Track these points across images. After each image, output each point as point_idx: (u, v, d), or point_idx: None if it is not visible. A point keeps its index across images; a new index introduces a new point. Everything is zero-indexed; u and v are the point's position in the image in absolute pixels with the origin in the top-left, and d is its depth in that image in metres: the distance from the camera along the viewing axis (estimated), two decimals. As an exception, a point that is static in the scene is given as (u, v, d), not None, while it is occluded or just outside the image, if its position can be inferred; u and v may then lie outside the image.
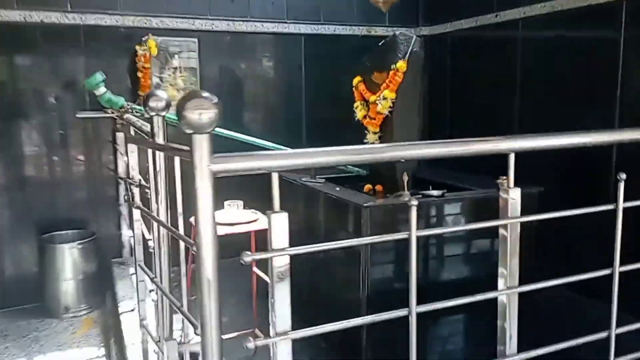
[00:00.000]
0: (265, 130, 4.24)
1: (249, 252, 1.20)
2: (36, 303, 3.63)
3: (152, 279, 1.64)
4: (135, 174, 1.82)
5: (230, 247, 2.33)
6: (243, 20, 4.30)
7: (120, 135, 3.62)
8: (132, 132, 2.85)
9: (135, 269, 1.82)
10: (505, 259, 1.52)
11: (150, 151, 1.87)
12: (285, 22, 4.46)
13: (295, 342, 1.24)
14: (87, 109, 3.80)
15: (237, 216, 2.41)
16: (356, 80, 3.12)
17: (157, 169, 1.82)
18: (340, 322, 1.29)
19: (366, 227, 2.31)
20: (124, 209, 3.68)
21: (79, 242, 3.57)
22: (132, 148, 1.87)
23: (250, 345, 1.19)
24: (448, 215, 2.47)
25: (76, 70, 3.83)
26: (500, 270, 1.54)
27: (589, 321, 2.32)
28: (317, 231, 2.75)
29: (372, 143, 2.93)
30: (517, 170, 1.44)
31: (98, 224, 3.94)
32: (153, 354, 1.78)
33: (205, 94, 1.14)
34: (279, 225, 1.23)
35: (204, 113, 1.11)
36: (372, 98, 2.92)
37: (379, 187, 2.96)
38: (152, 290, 2.00)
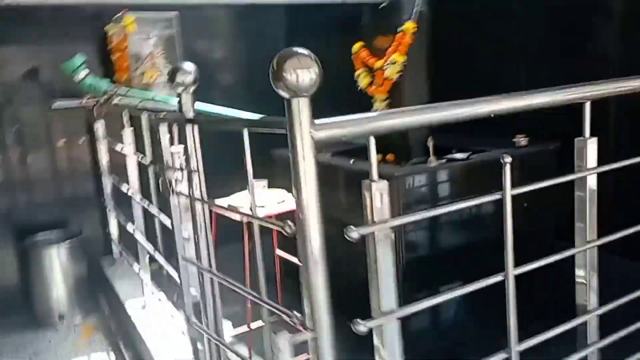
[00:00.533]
0: (254, 108, 4.03)
1: (353, 227, 1.08)
2: (24, 313, 3.34)
3: (208, 271, 1.48)
4: (176, 157, 1.63)
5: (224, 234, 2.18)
6: (216, -7, 4.05)
7: (99, 125, 3.35)
8: (126, 117, 2.63)
9: (178, 264, 1.65)
10: (583, 213, 1.46)
11: (174, 131, 1.69)
12: (261, -6, 4.23)
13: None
14: (58, 98, 3.50)
15: (270, 197, 2.25)
16: (357, 46, 2.99)
17: (190, 149, 1.64)
18: (440, 295, 1.19)
19: (399, 197, 2.20)
20: (110, 204, 3.42)
21: (66, 242, 3.30)
22: (164, 130, 1.67)
23: (362, 328, 1.07)
24: (476, 178, 2.40)
25: (40, 56, 3.51)
26: (578, 225, 1.48)
27: None
28: (339, 210, 2.61)
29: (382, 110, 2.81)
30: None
31: (79, 222, 3.66)
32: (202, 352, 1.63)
33: (305, 51, 0.99)
34: (380, 195, 1.11)
35: (305, 72, 0.97)
36: (379, 63, 2.80)
37: (390, 157, 2.86)
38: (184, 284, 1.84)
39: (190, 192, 1.62)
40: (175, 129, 1.68)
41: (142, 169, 2.62)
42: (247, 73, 4.22)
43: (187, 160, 1.67)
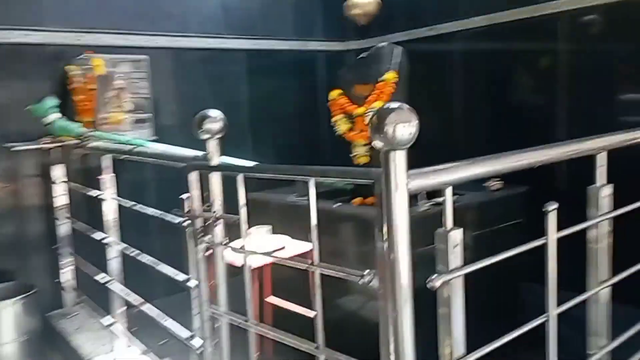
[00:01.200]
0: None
1: (434, 275, 1.13)
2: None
3: (245, 322, 1.46)
4: (216, 204, 1.61)
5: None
6: (182, 36, 4.05)
7: (59, 168, 3.18)
8: (106, 161, 2.53)
9: (200, 316, 1.60)
10: (594, 258, 1.59)
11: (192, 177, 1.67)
12: (225, 38, 4.29)
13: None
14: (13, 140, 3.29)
15: (273, 243, 2.23)
16: (335, 93, 3.10)
17: (214, 197, 1.64)
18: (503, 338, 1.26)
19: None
20: (64, 250, 3.22)
21: (20, 297, 3.03)
22: (196, 177, 1.64)
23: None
24: (464, 219, 2.53)
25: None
26: (589, 270, 1.60)
27: None
28: (335, 254, 2.64)
29: (362, 156, 2.92)
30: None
31: (24, 272, 3.40)
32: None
33: (406, 106, 1.05)
34: (455, 242, 1.17)
35: (406, 126, 1.02)
36: (360, 110, 2.91)
37: (369, 200, 2.94)
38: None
39: (221, 241, 1.60)
40: (194, 176, 1.66)
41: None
42: (211, 108, 4.22)
43: (211, 208, 1.66)
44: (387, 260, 1.08)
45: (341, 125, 3.02)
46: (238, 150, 4.11)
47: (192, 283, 1.76)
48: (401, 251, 1.07)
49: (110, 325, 2.52)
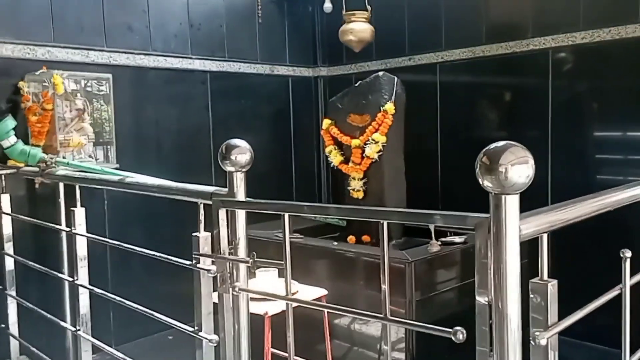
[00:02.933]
0: (178, 173, 3.83)
1: (535, 331, 1.08)
2: None
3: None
4: (241, 245, 1.49)
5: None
6: (145, 54, 3.89)
7: (4, 198, 2.91)
8: (62, 190, 2.33)
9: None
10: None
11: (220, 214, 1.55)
12: (190, 58, 4.17)
13: None
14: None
15: (278, 287, 2.10)
16: (327, 123, 3.06)
17: (238, 236, 1.54)
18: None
19: (411, 283, 2.23)
20: (12, 295, 2.93)
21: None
22: (224, 215, 1.52)
23: None
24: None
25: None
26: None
27: None
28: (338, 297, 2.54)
29: (358, 190, 2.88)
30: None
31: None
32: None
33: (519, 144, 1.01)
34: (553, 294, 1.14)
35: (522, 168, 0.99)
36: (356, 142, 2.88)
37: (366, 238, 2.90)
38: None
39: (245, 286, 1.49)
40: (222, 213, 1.54)
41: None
42: (175, 136, 4.07)
43: (235, 249, 1.55)
44: (494, 314, 1.02)
45: (334, 157, 2.97)
46: (201, 177, 4.03)
47: (207, 336, 1.61)
48: (511, 306, 1.02)
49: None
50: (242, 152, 1.56)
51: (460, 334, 1.10)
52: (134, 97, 3.84)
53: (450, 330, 1.11)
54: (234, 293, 1.48)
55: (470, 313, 1.11)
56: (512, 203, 1.00)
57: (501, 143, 1.02)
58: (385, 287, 1.21)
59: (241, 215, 1.56)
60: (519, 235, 1.01)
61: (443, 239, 2.53)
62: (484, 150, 1.01)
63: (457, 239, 2.51)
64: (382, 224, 1.18)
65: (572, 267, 3.20)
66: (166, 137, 4.02)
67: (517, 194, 1.00)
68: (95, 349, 2.41)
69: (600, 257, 3.14)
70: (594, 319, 1.35)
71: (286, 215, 1.35)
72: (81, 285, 2.26)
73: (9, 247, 2.94)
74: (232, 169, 1.57)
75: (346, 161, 2.95)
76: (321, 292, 1.93)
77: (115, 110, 3.49)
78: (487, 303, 1.03)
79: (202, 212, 1.68)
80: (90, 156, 3.25)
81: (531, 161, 1.00)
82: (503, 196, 1.00)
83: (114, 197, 3.61)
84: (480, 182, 1.01)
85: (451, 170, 4.04)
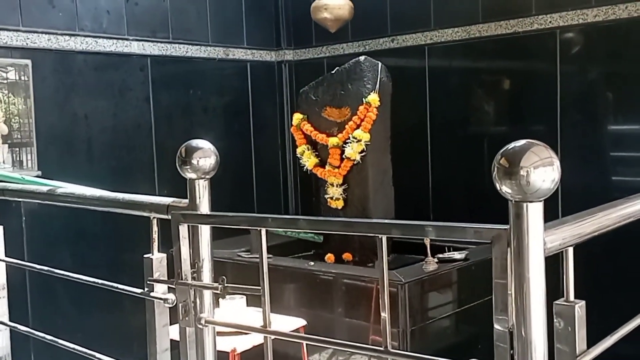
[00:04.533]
0: (114, 180, 3.80)
1: None
2: None
3: None
4: (205, 267, 1.50)
5: None
6: (71, 34, 3.84)
7: None
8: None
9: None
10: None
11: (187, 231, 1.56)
12: (126, 39, 4.14)
13: None
14: None
15: (252, 317, 2.11)
16: (297, 118, 3.10)
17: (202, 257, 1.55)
18: None
19: (405, 310, 2.27)
20: None
21: None
22: (185, 232, 1.52)
23: None
24: (477, 278, 2.59)
25: None
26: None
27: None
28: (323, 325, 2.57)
29: (337, 199, 2.92)
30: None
31: None
32: None
33: (541, 144, 1.05)
34: (581, 317, 1.18)
35: (547, 171, 1.03)
36: (334, 140, 2.92)
37: (347, 256, 2.93)
38: None
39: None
40: (184, 230, 1.55)
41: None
42: (109, 135, 4.03)
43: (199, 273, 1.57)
44: (516, 343, 1.06)
45: (308, 159, 3.00)
46: (141, 185, 4.00)
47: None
48: (536, 333, 1.06)
49: None
50: (205, 155, 1.57)
51: (477, 367, 1.14)
52: (58, 88, 3.78)
53: (469, 362, 1.14)
54: (199, 326, 1.48)
55: (474, 343, 1.15)
56: (535, 212, 1.04)
57: (521, 142, 1.05)
58: (385, 314, 1.24)
59: (205, 231, 1.57)
60: (544, 249, 1.05)
61: (440, 256, 2.58)
62: (502, 151, 1.05)
63: (457, 255, 2.57)
64: (381, 239, 1.21)
65: (596, 284, 3.30)
66: (98, 136, 3.96)
67: (540, 201, 1.04)
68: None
69: (628, 273, 3.26)
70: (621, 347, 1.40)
71: (263, 231, 1.36)
72: (0, 322, 2.22)
73: None
74: (193, 175, 1.57)
75: (322, 164, 2.98)
76: (299, 322, 1.95)
77: (34, 103, 3.44)
78: (507, 330, 1.07)
79: (155, 228, 1.68)
80: (3, 161, 3.19)
81: (557, 163, 1.04)
82: (525, 204, 1.04)
83: (34, 213, 3.55)
84: (498, 188, 1.05)
85: (444, 171, 4.11)
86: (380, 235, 1.22)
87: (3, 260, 2.28)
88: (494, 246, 1.08)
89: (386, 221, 1.17)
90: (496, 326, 1.09)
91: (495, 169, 1.05)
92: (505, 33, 3.91)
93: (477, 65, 4.16)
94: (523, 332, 1.05)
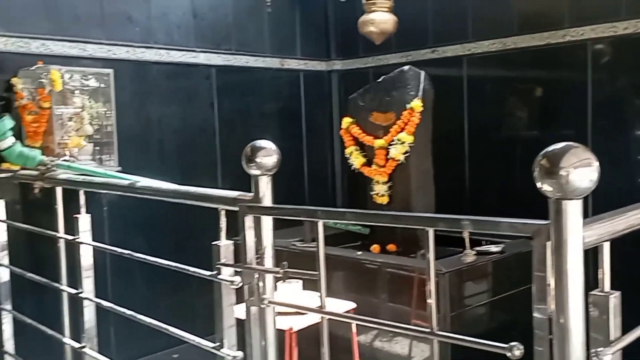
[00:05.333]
0: (182, 177, 3.88)
1: (599, 348, 1.10)
2: None
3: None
4: (267, 254, 1.53)
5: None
6: (146, 47, 3.94)
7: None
8: (83, 199, 2.37)
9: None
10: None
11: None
12: (194, 51, 4.22)
13: None
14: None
15: (308, 300, 2.13)
16: (346, 122, 3.10)
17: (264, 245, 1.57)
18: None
19: (445, 297, 2.26)
20: (6, 303, 2.96)
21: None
22: (250, 222, 1.55)
23: None
24: (513, 271, 2.55)
25: None
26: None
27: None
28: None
29: (382, 195, 2.91)
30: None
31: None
32: None
33: (580, 146, 1.04)
34: (616, 307, 1.16)
35: (586, 171, 1.01)
36: (379, 142, 2.91)
37: (391, 247, 2.92)
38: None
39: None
40: (249, 221, 1.58)
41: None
42: (178, 136, 4.13)
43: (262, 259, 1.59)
44: (555, 329, 1.04)
45: (356, 159, 3.00)
46: (205, 180, 4.07)
47: (231, 352, 1.64)
48: (574, 321, 1.04)
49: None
50: (268, 154, 1.59)
51: (516, 350, 1.12)
52: (135, 94, 3.89)
53: (506, 345, 1.13)
54: (262, 306, 1.51)
55: (509, 330, 1.14)
56: (574, 209, 1.02)
57: (562, 144, 1.04)
58: (432, 300, 1.24)
59: (268, 222, 1.59)
60: (583, 244, 1.04)
61: (478, 248, 2.56)
62: (543, 152, 1.04)
63: (494, 248, 2.53)
64: (428, 231, 1.21)
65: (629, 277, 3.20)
66: (169, 137, 4.06)
67: (580, 199, 1.02)
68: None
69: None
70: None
71: (320, 222, 1.38)
72: (86, 298, 2.30)
73: (3, 257, 2.98)
74: (258, 172, 1.60)
75: (368, 163, 2.97)
76: (349, 305, 1.96)
77: (116, 108, 3.54)
78: (546, 317, 1.05)
79: (223, 219, 1.71)
80: (91, 158, 3.29)
81: (595, 164, 1.02)
82: (564, 201, 1.02)
83: (113, 203, 3.66)
84: (539, 187, 1.04)
85: (480, 173, 4.06)
86: (427, 228, 1.22)
87: (90, 244, 2.35)
88: (534, 240, 1.07)
89: (434, 215, 1.16)
90: (536, 314, 1.07)
91: (537, 169, 1.04)
92: (538, 45, 3.84)
93: (511, 75, 4.09)
94: (562, 320, 1.04)
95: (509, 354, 1.13)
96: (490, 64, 4.11)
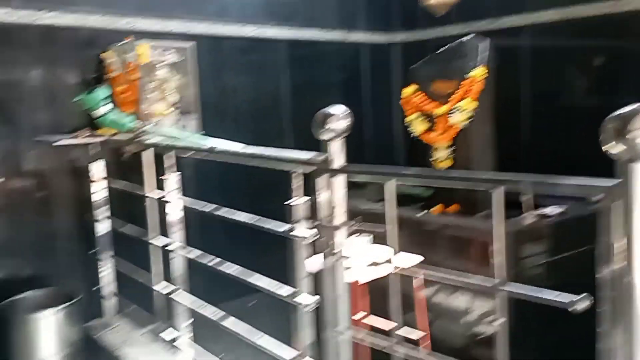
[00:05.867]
0: (256, 142, 3.94)
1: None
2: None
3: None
4: (338, 212, 1.55)
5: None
6: (222, 23, 3.99)
7: (98, 165, 3.09)
8: (170, 161, 2.46)
9: (320, 337, 1.54)
10: None
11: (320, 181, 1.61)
12: (265, 26, 4.23)
13: None
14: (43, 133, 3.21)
15: (378, 253, 2.15)
16: (410, 90, 3.04)
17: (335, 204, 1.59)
18: None
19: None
20: (106, 253, 3.14)
21: (62, 306, 2.93)
22: (323, 182, 1.58)
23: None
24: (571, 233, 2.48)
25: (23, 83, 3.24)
26: None
27: None
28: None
29: (444, 160, 2.86)
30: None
31: (57, 276, 3.32)
32: None
33: None
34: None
35: (658, 133, 0.96)
36: (442, 109, 2.86)
37: (453, 208, 2.88)
38: None
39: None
40: (323, 181, 1.60)
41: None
42: (252, 104, 4.19)
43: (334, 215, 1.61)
44: (620, 284, 1.02)
45: (417, 126, 2.96)
46: (277, 144, 4.12)
47: (304, 299, 1.69)
48: (638, 274, 1.01)
49: (174, 340, 2.45)
50: (338, 118, 1.60)
51: (581, 303, 1.11)
52: (212, 66, 3.96)
53: (574, 298, 1.11)
54: (335, 259, 1.54)
55: (571, 289, 1.11)
56: (643, 170, 0.99)
57: (630, 107, 1.00)
58: (501, 257, 1.23)
59: (341, 181, 1.61)
60: (648, 204, 1.00)
61: (538, 212, 2.49)
62: (611, 115, 1.00)
63: (555, 210, 2.46)
64: (495, 191, 1.19)
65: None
66: (243, 105, 4.13)
67: (646, 161, 0.98)
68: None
69: None
70: None
71: (393, 182, 1.38)
72: (179, 248, 2.41)
73: (104, 212, 3.13)
74: (329, 136, 1.61)
75: (429, 131, 2.93)
76: (418, 258, 1.96)
77: (198, 79, 3.62)
78: (611, 277, 1.03)
79: (298, 179, 1.74)
80: (177, 125, 3.39)
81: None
82: (633, 164, 0.98)
83: (189, 165, 3.76)
84: (606, 150, 1.00)
85: (539, 139, 3.92)
86: (495, 188, 1.20)
87: (182, 199, 2.45)
88: (603, 201, 1.04)
89: (502, 175, 1.14)
90: (601, 272, 1.05)
91: (605, 132, 1.01)
92: (603, 13, 3.62)
93: (573, 44, 3.89)
94: (627, 279, 1.01)
95: (571, 308, 1.11)
96: (551, 34, 3.92)
